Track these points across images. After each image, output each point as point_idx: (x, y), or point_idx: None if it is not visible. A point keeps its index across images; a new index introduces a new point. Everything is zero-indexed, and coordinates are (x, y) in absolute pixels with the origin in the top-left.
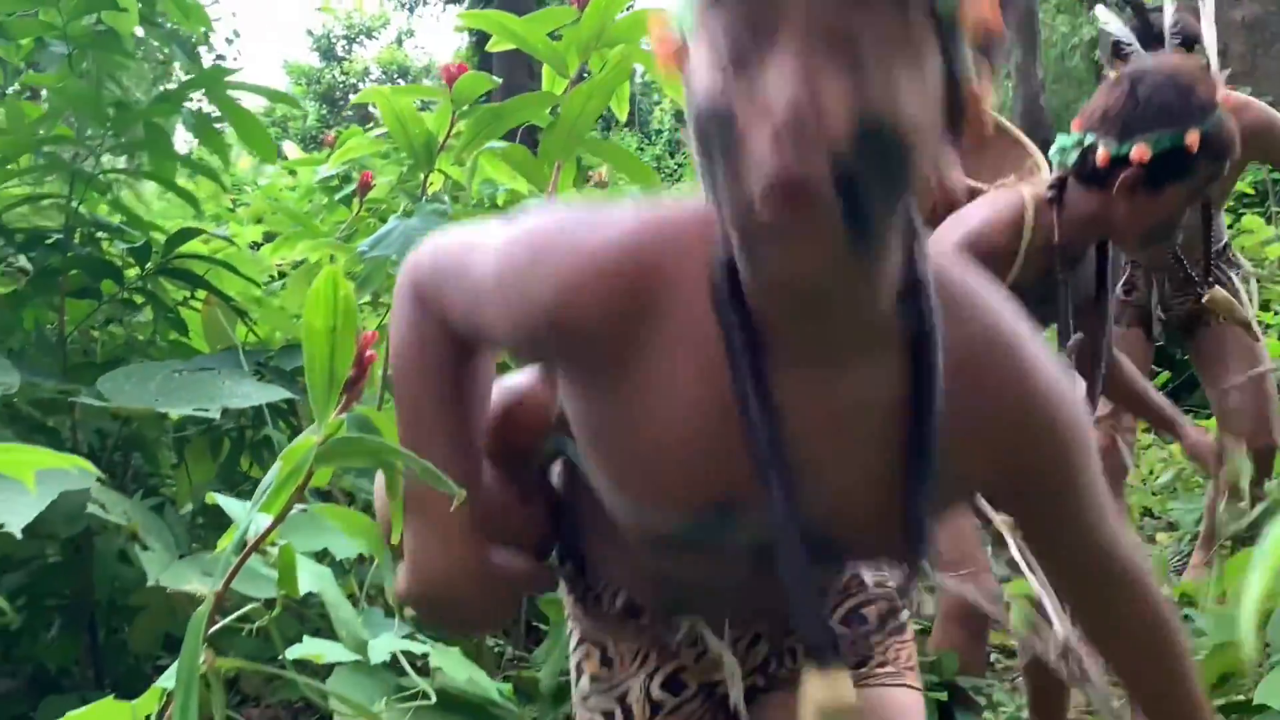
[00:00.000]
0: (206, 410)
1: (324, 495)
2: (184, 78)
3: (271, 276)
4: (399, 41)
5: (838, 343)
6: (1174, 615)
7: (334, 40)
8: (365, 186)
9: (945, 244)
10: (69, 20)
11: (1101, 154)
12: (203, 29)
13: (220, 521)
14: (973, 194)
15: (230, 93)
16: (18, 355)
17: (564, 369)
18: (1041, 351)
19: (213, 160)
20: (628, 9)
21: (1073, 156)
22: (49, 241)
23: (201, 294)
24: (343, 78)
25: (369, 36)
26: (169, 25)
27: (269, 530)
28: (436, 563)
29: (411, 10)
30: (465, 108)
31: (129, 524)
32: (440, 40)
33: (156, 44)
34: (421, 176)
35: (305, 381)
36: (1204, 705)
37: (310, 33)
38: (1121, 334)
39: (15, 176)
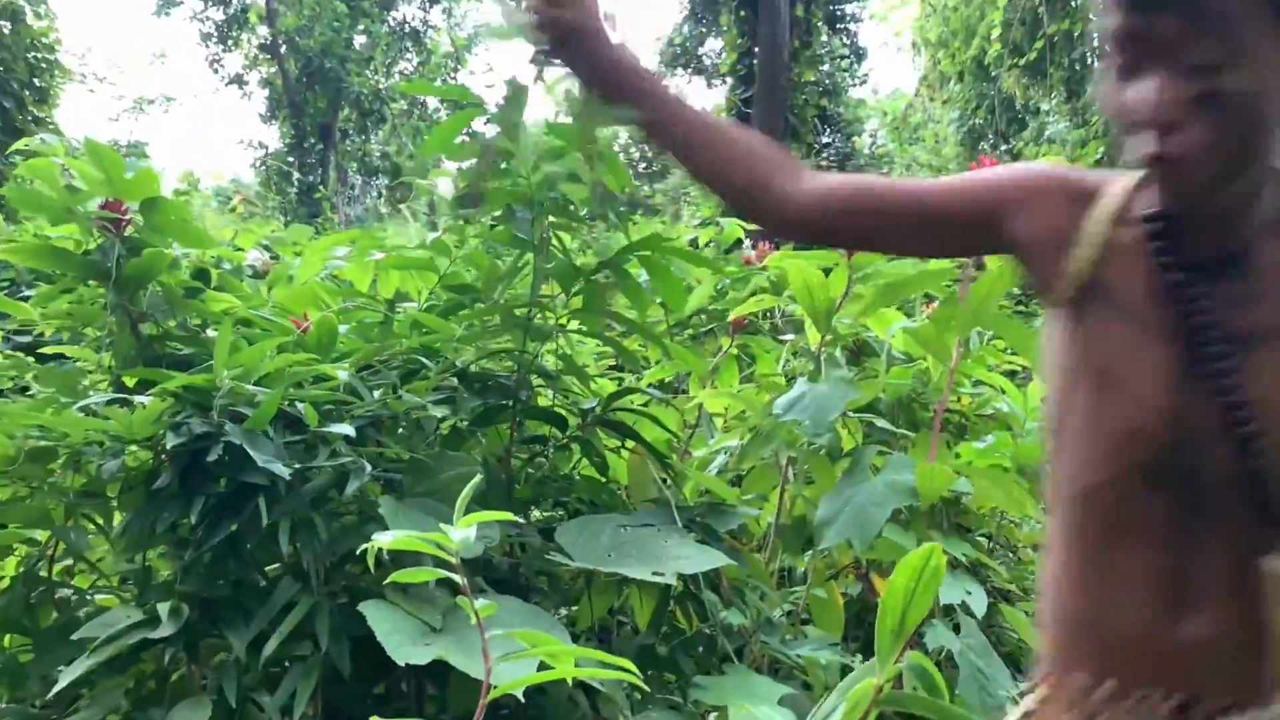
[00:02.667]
0: (661, 575)
1: None
2: None
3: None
4: None
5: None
6: None
7: None
8: (739, 326)
9: None
10: (534, 191)
11: None
12: (625, 189)
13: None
14: None
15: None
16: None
17: None
18: None
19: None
20: None
21: None
22: (492, 384)
23: (630, 443)
24: None
25: None
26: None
27: None
28: None
29: None
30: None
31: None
32: None
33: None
34: (819, 337)
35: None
36: None
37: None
38: None
39: (490, 337)
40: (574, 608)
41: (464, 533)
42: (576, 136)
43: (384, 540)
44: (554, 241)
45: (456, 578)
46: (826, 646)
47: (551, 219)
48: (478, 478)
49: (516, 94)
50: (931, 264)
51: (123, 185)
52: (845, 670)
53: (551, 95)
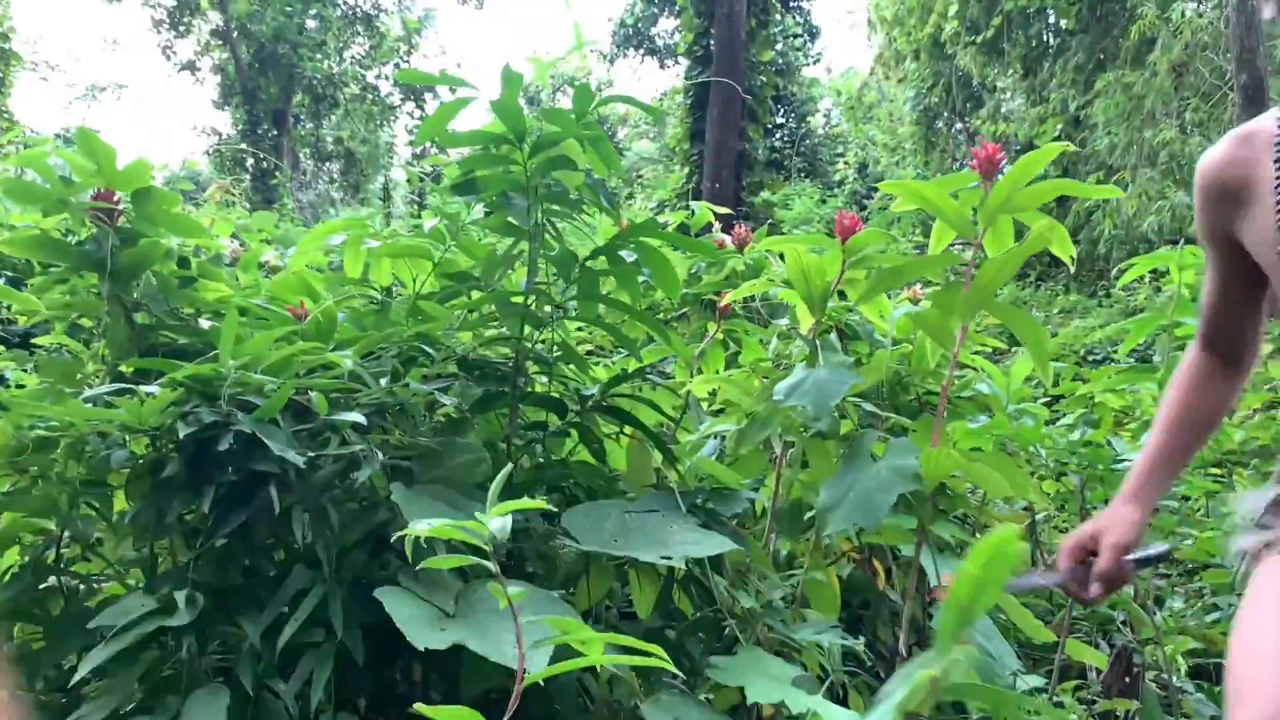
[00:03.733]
0: (670, 559)
1: None
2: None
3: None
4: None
5: None
6: None
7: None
8: (725, 312)
9: None
10: (530, 178)
11: None
12: (612, 172)
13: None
14: None
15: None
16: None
17: None
18: None
19: (620, 295)
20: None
21: None
22: (489, 371)
23: (629, 430)
24: None
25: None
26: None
27: None
28: None
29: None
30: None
31: None
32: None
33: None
34: (812, 320)
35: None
36: None
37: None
38: None
39: (488, 323)
40: (571, 591)
41: (500, 521)
42: None
43: (421, 529)
44: (549, 228)
45: (491, 565)
46: (827, 629)
47: (546, 205)
48: (508, 467)
49: (511, 80)
50: (929, 251)
51: (115, 176)
52: (846, 653)
53: None
